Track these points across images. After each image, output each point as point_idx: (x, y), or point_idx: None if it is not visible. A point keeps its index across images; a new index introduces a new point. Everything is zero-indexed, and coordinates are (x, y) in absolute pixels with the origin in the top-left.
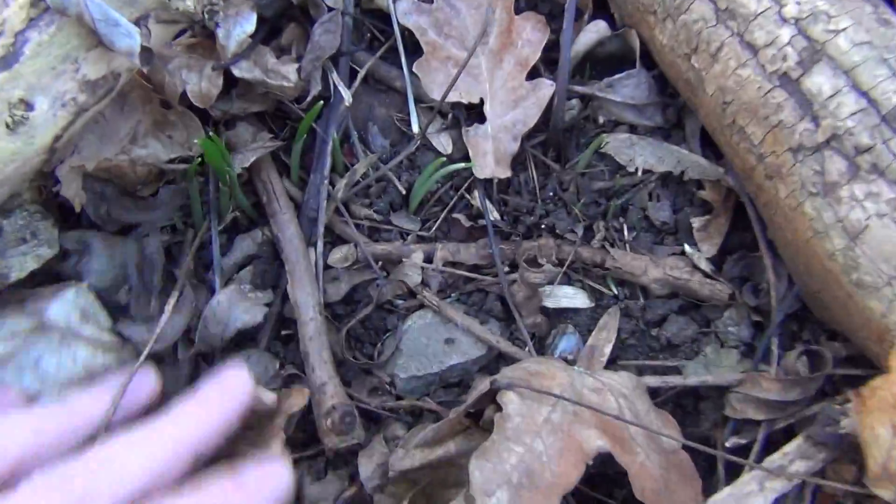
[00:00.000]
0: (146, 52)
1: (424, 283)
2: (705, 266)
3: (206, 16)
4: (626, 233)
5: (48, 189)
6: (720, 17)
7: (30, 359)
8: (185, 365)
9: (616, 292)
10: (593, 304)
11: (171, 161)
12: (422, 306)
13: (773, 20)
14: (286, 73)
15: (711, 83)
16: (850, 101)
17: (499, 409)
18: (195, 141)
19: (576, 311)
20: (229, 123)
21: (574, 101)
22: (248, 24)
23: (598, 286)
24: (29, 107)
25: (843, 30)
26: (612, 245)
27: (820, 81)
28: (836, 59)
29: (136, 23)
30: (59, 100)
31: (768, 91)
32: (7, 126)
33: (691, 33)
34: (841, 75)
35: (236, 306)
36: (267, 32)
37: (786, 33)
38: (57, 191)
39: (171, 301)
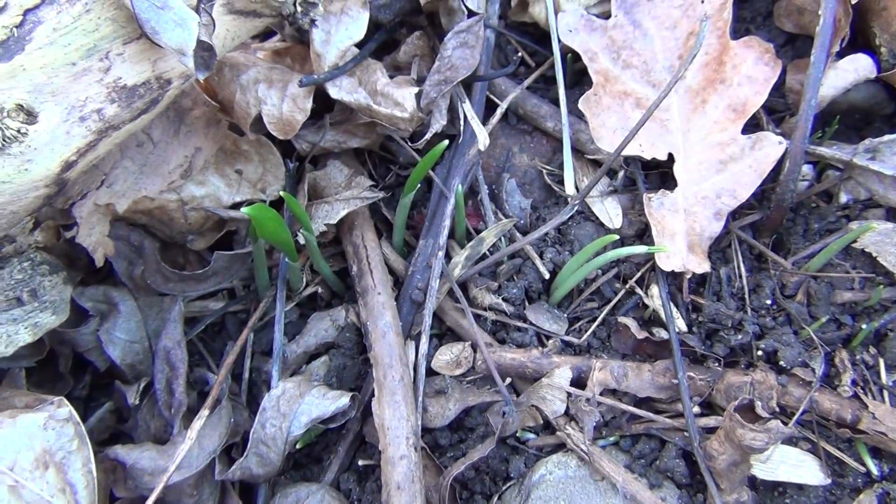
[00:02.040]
0: (206, 50)
1: (570, 416)
2: None
3: (300, 9)
4: (883, 374)
5: (63, 232)
6: None
7: None
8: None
9: (872, 468)
10: (830, 482)
11: (236, 206)
12: (563, 448)
13: None
14: (401, 99)
15: None
16: None
17: None
18: (242, 210)
19: (801, 488)
20: (317, 160)
21: (807, 169)
22: (357, 27)
23: (839, 454)
24: (30, 117)
25: None
26: (864, 391)
27: None
28: None
29: (197, 8)
30: (76, 110)
31: None
32: None
33: None
34: None
35: (308, 395)
36: (381, 44)
37: None
38: (73, 236)
39: (201, 417)
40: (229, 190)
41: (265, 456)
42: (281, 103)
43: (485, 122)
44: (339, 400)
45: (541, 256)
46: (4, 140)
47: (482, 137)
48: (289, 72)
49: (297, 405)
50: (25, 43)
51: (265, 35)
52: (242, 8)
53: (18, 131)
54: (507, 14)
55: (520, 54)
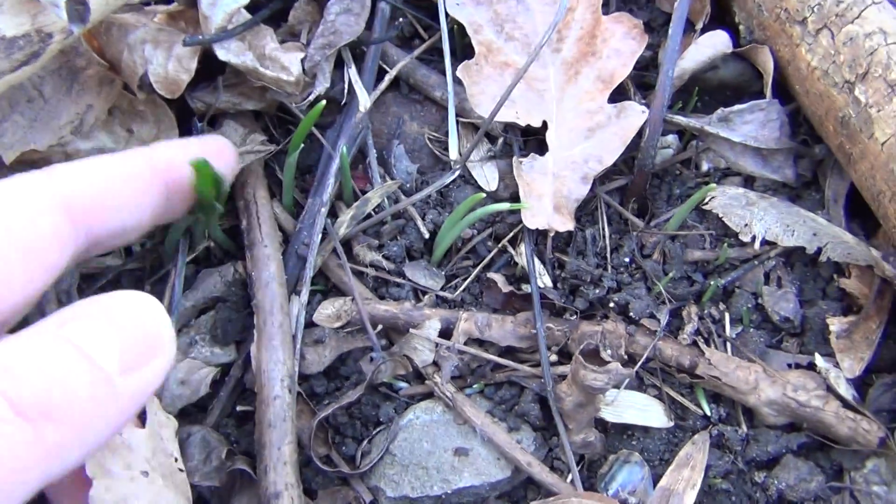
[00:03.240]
0: (79, 4)
1: (437, 365)
2: (845, 391)
3: None
4: (727, 327)
5: None
6: None
7: None
8: None
9: (708, 412)
10: (673, 424)
11: None
12: (430, 396)
13: None
14: (287, 63)
15: (885, 125)
16: None
17: None
18: (189, 163)
19: (646, 430)
20: (215, 121)
21: (671, 138)
22: None
23: (681, 399)
24: None
25: None
26: (706, 341)
27: None
28: None
29: None
30: None
31: None
32: None
33: (860, 52)
34: None
35: (169, 378)
36: (274, 12)
37: None
38: None
39: None
40: (115, 147)
41: None
42: (167, 63)
43: (374, 87)
44: (200, 389)
45: (423, 217)
46: None
47: (363, 100)
48: (177, 33)
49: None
50: None
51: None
52: None
53: None
54: None
55: (401, 19)
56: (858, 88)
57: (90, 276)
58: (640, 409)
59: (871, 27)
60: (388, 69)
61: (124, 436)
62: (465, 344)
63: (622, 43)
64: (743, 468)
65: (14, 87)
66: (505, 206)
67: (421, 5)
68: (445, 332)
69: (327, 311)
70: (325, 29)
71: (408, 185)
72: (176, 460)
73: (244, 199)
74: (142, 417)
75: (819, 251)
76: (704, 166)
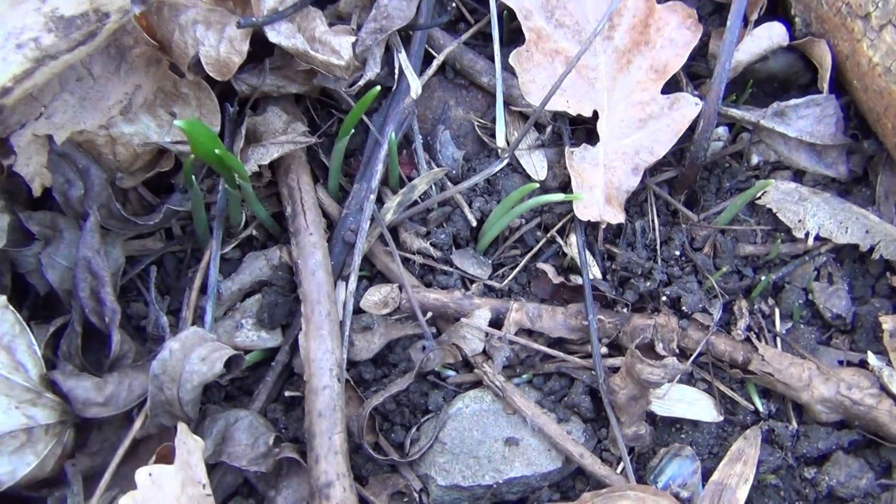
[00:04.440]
0: None
1: (487, 354)
2: None
3: None
4: (778, 322)
5: (1, 161)
6: None
7: None
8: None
9: (760, 407)
10: (723, 419)
11: (168, 144)
12: (479, 385)
13: None
14: (337, 47)
15: None
16: None
17: None
18: (176, 123)
19: (696, 424)
20: (258, 105)
21: (721, 130)
22: None
23: (733, 393)
24: None
25: None
26: (758, 337)
27: None
28: None
29: None
30: (13, 37)
31: None
32: None
33: None
34: None
35: (193, 353)
36: None
37: None
38: (11, 164)
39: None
40: (159, 130)
41: (173, 413)
42: (218, 45)
43: (421, 73)
44: (216, 365)
45: (469, 205)
46: None
47: (414, 86)
48: (228, 14)
49: (183, 368)
50: None
51: None
52: None
53: None
54: None
55: (453, 4)
56: None
57: (133, 258)
58: (690, 402)
59: None
60: (434, 54)
61: (154, 475)
62: (516, 334)
63: (677, 33)
64: (793, 464)
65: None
66: (559, 196)
67: None
68: (495, 322)
69: (374, 297)
70: (378, 13)
71: (454, 172)
72: (204, 486)
73: (287, 186)
74: (171, 452)
75: (871, 249)
76: (755, 159)
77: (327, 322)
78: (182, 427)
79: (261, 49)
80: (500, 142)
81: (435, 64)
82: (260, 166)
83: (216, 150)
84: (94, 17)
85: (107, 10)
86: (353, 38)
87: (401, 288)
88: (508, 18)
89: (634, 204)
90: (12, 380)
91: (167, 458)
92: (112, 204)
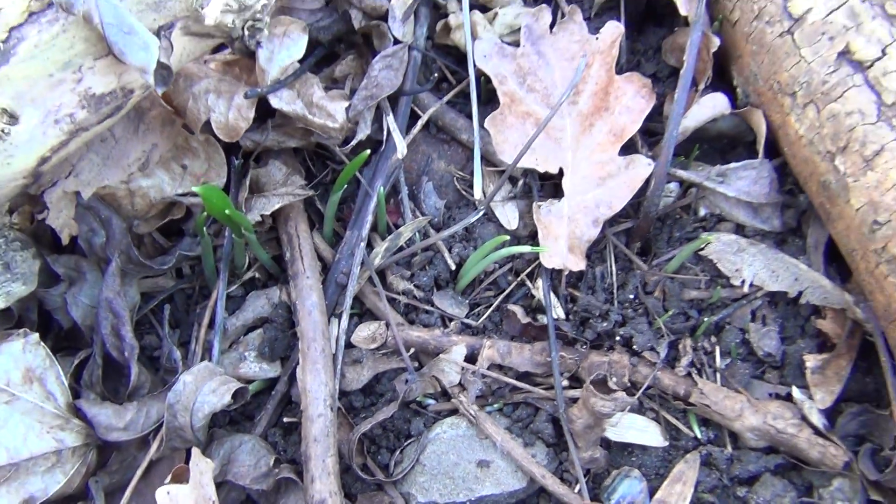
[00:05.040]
0: (164, 69)
1: (462, 386)
2: (817, 420)
3: (247, 33)
4: (718, 358)
5: (35, 214)
6: (884, 112)
7: None
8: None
9: (699, 434)
10: (667, 444)
11: (180, 197)
12: (455, 413)
13: None
14: (333, 111)
15: (859, 195)
16: None
17: None
18: (193, 189)
19: (645, 449)
20: (260, 157)
21: (673, 185)
22: (297, 48)
23: (676, 422)
24: (13, 119)
25: None
26: (699, 372)
27: None
28: None
29: (158, 33)
30: (52, 114)
31: None
32: None
33: (841, 127)
34: None
35: (205, 385)
36: (319, 59)
37: None
38: (43, 217)
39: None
40: (172, 182)
41: (185, 437)
42: (228, 112)
43: (409, 130)
44: (224, 396)
45: (449, 251)
46: None
47: (401, 147)
48: (236, 83)
49: (195, 399)
50: (10, 56)
51: (217, 48)
52: (197, 31)
53: (2, 131)
54: (434, 36)
55: (435, 76)
56: (838, 159)
57: (147, 295)
58: (639, 430)
59: (851, 107)
60: (420, 112)
61: (171, 493)
62: (488, 368)
63: (633, 101)
64: (727, 484)
65: None
66: (526, 248)
67: (449, 53)
68: (470, 357)
69: (364, 333)
70: (369, 83)
71: (436, 220)
72: (213, 503)
73: (287, 233)
74: (185, 473)
75: (800, 294)
76: (702, 212)
77: (322, 357)
78: (196, 451)
79: (264, 110)
80: (478, 194)
81: (420, 123)
82: (262, 215)
83: (226, 211)
84: (121, 93)
85: (132, 87)
86: (346, 104)
87: (387, 325)
88: (485, 81)
89: (595, 251)
90: (44, 408)
91: (181, 477)
92: (131, 250)
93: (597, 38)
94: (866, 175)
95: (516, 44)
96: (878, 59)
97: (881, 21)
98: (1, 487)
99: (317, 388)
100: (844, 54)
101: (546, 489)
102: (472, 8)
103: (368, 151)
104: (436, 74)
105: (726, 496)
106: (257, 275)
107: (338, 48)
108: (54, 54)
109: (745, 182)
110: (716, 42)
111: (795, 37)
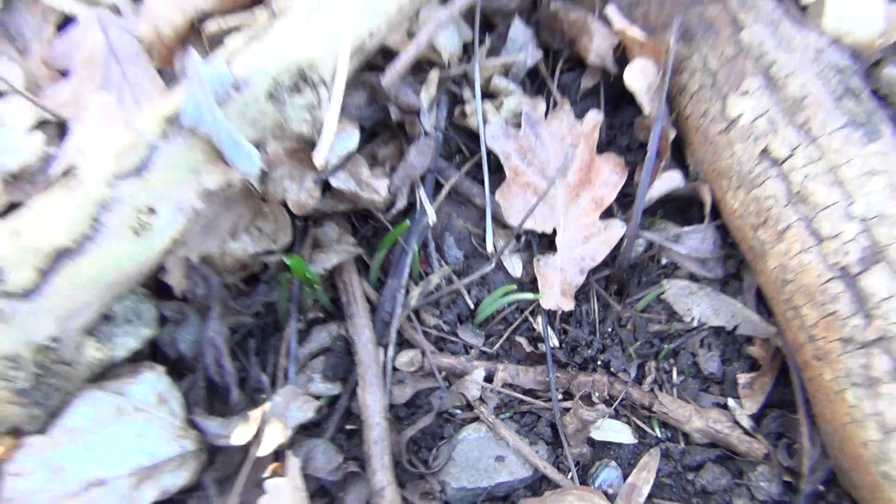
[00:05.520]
0: (262, 172)
1: (482, 399)
2: (746, 423)
3: (316, 134)
4: (675, 376)
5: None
6: (791, 199)
7: (103, 439)
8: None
9: (659, 434)
10: (636, 442)
11: (257, 255)
12: (477, 420)
13: (841, 214)
14: (378, 188)
15: (774, 258)
16: None
17: None
18: (283, 258)
19: (620, 446)
20: (318, 220)
21: (641, 241)
22: (352, 140)
23: (643, 425)
24: (153, 213)
25: None
26: (660, 388)
27: (877, 282)
28: (895, 264)
29: (257, 145)
30: (179, 207)
31: (827, 280)
32: (133, 231)
33: (761, 207)
34: None
35: (293, 403)
36: (363, 139)
37: (851, 229)
38: (160, 277)
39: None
40: (253, 243)
41: None
42: (299, 192)
43: (434, 198)
44: (308, 412)
45: (469, 293)
46: (141, 228)
47: (431, 215)
48: (304, 169)
49: (286, 414)
50: (150, 165)
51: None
52: (279, 136)
53: (147, 223)
54: (454, 120)
55: (458, 149)
56: (760, 231)
57: (232, 329)
58: (616, 431)
59: (768, 193)
60: (443, 182)
61: (276, 484)
62: (502, 386)
63: (609, 177)
64: (681, 471)
65: None
66: (529, 295)
67: (465, 132)
68: (488, 377)
69: (404, 359)
70: (406, 165)
71: (457, 268)
72: (303, 491)
73: (342, 281)
74: (282, 469)
75: (735, 327)
76: (663, 261)
77: (375, 380)
78: (289, 453)
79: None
80: (489, 248)
81: (444, 192)
82: (324, 268)
83: (307, 274)
84: (227, 186)
85: (233, 181)
86: (388, 182)
87: (423, 353)
88: (494, 157)
89: (581, 294)
90: (172, 422)
91: (279, 472)
92: (227, 300)
93: (581, 124)
94: (778, 245)
95: (518, 126)
96: (788, 157)
97: (792, 129)
98: (147, 482)
99: (373, 403)
100: (765, 152)
101: (547, 477)
102: (483, 98)
103: (409, 222)
104: (455, 149)
105: (679, 479)
106: (320, 314)
107: (376, 128)
108: (181, 162)
109: (694, 242)
110: (673, 132)
111: (731, 135)
